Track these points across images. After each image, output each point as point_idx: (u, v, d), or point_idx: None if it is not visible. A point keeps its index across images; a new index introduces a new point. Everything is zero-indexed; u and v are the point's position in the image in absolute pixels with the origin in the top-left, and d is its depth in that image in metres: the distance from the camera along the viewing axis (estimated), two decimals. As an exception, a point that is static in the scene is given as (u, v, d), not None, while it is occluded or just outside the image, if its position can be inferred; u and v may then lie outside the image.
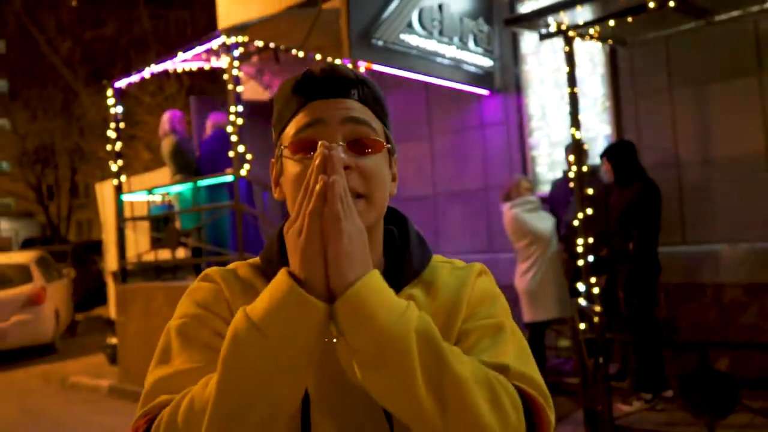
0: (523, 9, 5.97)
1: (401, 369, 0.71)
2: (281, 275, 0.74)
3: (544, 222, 5.14)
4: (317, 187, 0.74)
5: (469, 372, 0.74)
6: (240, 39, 5.88)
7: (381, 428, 0.83)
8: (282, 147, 0.90)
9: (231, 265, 0.97)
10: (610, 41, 4.96)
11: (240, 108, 5.78)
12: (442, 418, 0.72)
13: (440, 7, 5.60)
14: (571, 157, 4.40)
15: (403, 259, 0.93)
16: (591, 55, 5.72)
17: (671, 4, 3.73)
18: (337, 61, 5.28)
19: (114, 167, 7.14)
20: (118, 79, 7.21)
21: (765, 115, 4.90)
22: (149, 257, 7.02)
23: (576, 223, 4.35)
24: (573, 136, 4.33)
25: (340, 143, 0.83)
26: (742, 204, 4.97)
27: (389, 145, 0.92)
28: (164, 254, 6.95)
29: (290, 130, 0.88)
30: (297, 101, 0.89)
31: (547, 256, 5.06)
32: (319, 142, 0.77)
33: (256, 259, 0.97)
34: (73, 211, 29.95)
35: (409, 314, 0.73)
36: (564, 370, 5.43)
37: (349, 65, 1.00)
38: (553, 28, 4.20)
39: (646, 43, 5.23)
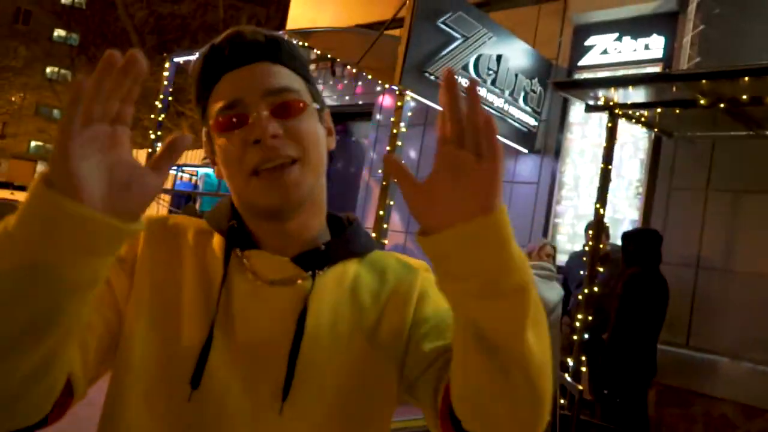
0: (580, 79, 6.00)
1: (520, 298, 0.63)
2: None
3: (551, 292, 5.02)
4: None
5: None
6: (302, 44, 6.00)
7: (277, 384, 0.79)
8: (209, 124, 0.85)
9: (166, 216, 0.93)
10: (656, 129, 4.93)
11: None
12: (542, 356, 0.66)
13: (498, 58, 5.67)
14: (590, 232, 4.34)
15: (353, 233, 0.90)
16: (636, 138, 5.71)
17: (721, 105, 3.71)
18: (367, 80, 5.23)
19: (152, 136, 7.30)
20: (179, 55, 7.42)
21: (795, 238, 4.80)
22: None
23: (580, 297, 4.27)
24: (597, 211, 4.29)
25: (264, 113, 0.80)
26: (753, 322, 4.85)
27: (315, 104, 0.87)
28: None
29: (213, 108, 0.84)
30: (210, 77, 0.84)
31: None
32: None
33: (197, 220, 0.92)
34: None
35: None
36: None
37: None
38: (600, 102, 4.20)
39: (692, 141, 5.20)
